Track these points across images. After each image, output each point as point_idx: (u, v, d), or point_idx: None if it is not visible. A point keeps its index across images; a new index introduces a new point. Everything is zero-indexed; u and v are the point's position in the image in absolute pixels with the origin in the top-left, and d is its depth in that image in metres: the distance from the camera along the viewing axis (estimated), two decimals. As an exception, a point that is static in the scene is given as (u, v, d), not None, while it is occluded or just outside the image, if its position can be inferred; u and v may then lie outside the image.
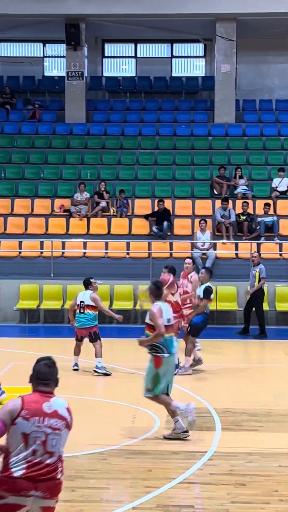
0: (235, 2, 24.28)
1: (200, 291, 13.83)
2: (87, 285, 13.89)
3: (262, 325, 17.79)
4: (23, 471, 5.13)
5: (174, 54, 28.55)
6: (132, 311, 19.70)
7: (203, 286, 13.83)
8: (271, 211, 21.82)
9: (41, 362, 5.40)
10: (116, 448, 9.16)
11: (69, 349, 14.10)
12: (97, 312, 13.68)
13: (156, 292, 9.77)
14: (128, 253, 20.94)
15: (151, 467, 8.53)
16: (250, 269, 18.44)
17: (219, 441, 9.47)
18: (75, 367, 13.64)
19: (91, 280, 13.98)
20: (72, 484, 7.90)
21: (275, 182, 23.03)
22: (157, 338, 9.48)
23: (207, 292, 13.70)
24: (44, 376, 5.34)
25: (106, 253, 20.96)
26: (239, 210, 21.95)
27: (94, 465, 8.55)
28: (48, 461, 5.20)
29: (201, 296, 13.72)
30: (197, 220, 21.46)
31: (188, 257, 15.72)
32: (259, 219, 21.57)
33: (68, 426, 5.33)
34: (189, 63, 28.73)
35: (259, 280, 17.66)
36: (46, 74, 28.68)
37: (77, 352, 13.77)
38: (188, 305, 14.47)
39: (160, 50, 28.71)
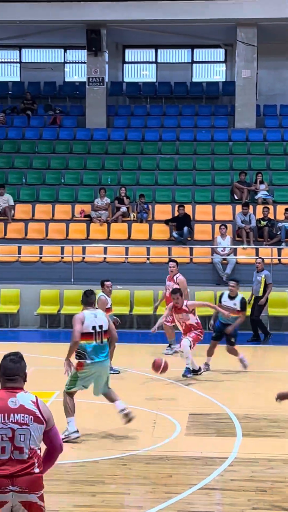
0: (255, 8, 24.24)
1: (236, 303, 14.22)
2: (101, 286, 14.15)
3: (263, 328, 17.87)
4: None
5: (194, 59, 28.56)
6: (152, 316, 19.69)
7: (238, 298, 14.29)
8: (292, 217, 21.74)
9: (7, 358, 5.37)
10: (136, 454, 9.15)
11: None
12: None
13: (84, 300, 10.03)
14: (148, 258, 20.94)
15: (171, 472, 8.51)
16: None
17: (240, 447, 9.43)
18: None
19: (105, 282, 14.19)
20: (93, 489, 7.91)
21: (296, 187, 22.96)
22: (73, 347, 9.69)
23: (245, 304, 14.51)
24: (11, 372, 5.30)
25: (126, 258, 20.98)
26: (259, 215, 21.89)
27: (114, 470, 8.54)
28: (19, 457, 5.14)
29: (238, 308, 14.20)
30: (217, 225, 21.43)
31: (171, 260, 16.49)
32: (279, 224, 21.50)
33: (39, 420, 5.23)
34: (209, 68, 28.73)
35: (265, 286, 17.70)
36: (67, 80, 28.79)
37: None
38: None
39: (180, 55, 28.74)
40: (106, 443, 9.61)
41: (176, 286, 15.15)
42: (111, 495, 7.81)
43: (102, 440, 9.76)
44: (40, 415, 5.24)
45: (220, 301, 14.41)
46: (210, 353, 14.25)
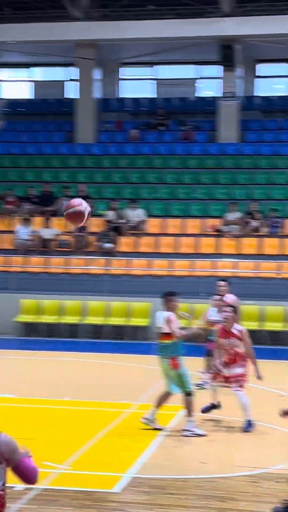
0: None
1: None
2: None
3: None
4: None
5: None
6: (282, 333, 19.42)
7: None
8: None
9: None
10: (267, 471, 9.02)
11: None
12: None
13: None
14: (279, 274, 20.67)
15: (303, 493, 8.33)
16: None
17: None
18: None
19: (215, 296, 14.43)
20: (223, 506, 7.85)
21: None
22: None
23: None
24: None
25: (257, 273, 20.79)
26: None
27: (245, 488, 8.45)
28: None
29: None
30: None
31: (222, 279, 14.81)
32: None
33: None
34: None
35: None
36: (199, 95, 28.93)
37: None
38: None
39: (315, 68, 28.33)
40: (237, 459, 9.53)
41: None
42: (242, 512, 7.73)
43: (233, 456, 9.69)
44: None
45: None
46: None
